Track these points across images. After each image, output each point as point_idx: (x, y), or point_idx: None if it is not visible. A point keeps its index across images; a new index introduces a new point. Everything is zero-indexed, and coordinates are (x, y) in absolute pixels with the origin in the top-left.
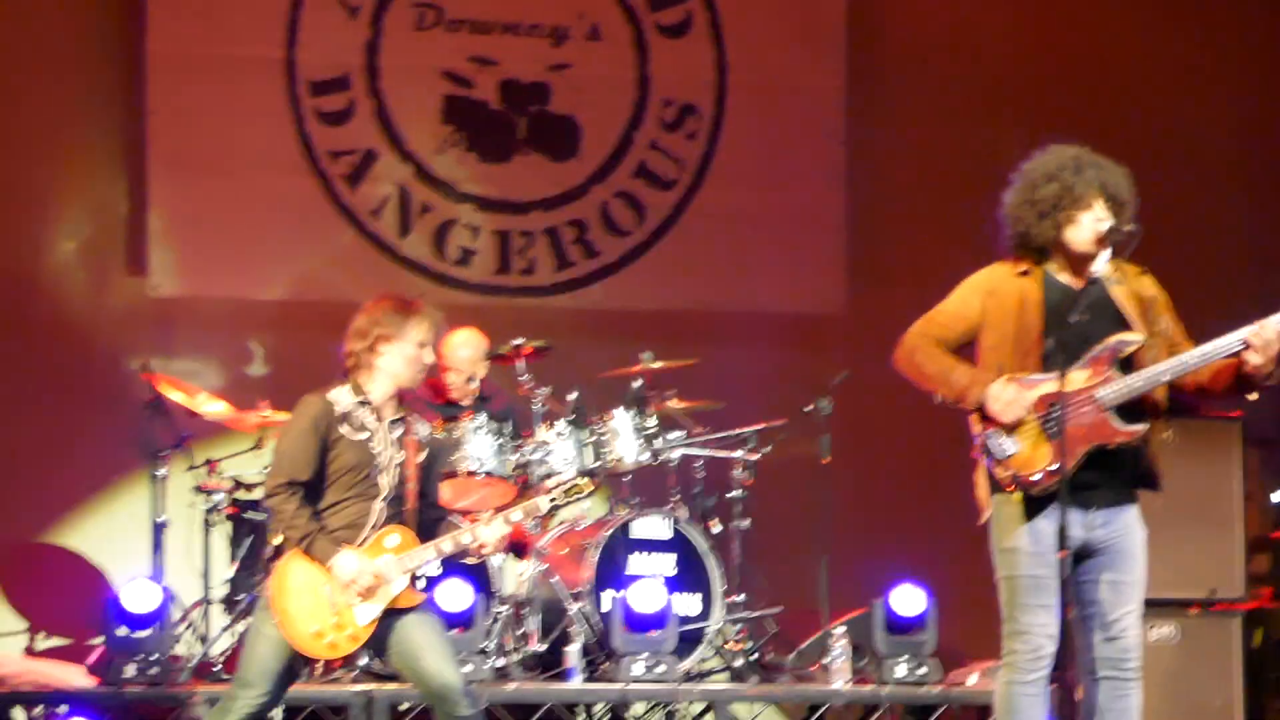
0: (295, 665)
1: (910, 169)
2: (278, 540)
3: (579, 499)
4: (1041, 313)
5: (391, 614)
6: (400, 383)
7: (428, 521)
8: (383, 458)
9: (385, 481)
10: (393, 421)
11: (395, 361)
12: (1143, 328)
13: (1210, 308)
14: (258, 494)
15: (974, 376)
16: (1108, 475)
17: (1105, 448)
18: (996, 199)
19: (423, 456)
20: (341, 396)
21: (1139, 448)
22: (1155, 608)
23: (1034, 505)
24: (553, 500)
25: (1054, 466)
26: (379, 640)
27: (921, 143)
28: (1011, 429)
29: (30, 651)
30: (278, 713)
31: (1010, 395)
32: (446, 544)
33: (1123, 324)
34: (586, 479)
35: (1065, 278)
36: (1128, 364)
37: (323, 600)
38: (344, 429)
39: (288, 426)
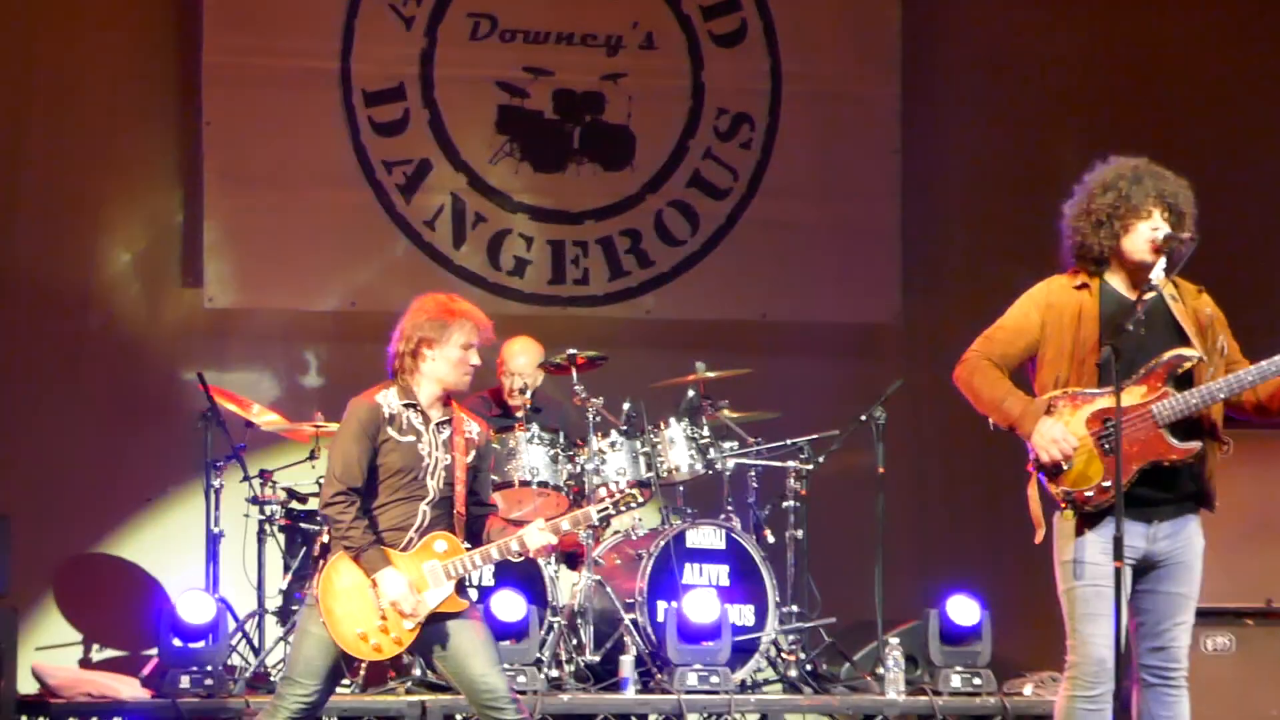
0: (342, 664)
1: (965, 179)
2: (324, 540)
3: (630, 509)
4: (1098, 324)
5: (438, 619)
6: (446, 385)
7: (473, 519)
8: (430, 460)
9: (432, 485)
10: (439, 423)
11: (439, 365)
12: (1200, 345)
13: (1271, 325)
14: (312, 505)
15: (1025, 407)
16: (1164, 491)
17: (1160, 465)
18: (1052, 209)
19: (471, 456)
20: (389, 399)
21: (1194, 465)
22: (1211, 618)
23: (1093, 516)
24: (603, 511)
25: (1107, 483)
26: (425, 645)
27: (976, 152)
28: (1052, 469)
29: (85, 663)
30: None
31: (1056, 433)
32: (494, 550)
33: (1180, 337)
34: (638, 489)
35: (1123, 289)
36: (1184, 381)
37: (369, 603)
38: (391, 431)
39: (339, 433)
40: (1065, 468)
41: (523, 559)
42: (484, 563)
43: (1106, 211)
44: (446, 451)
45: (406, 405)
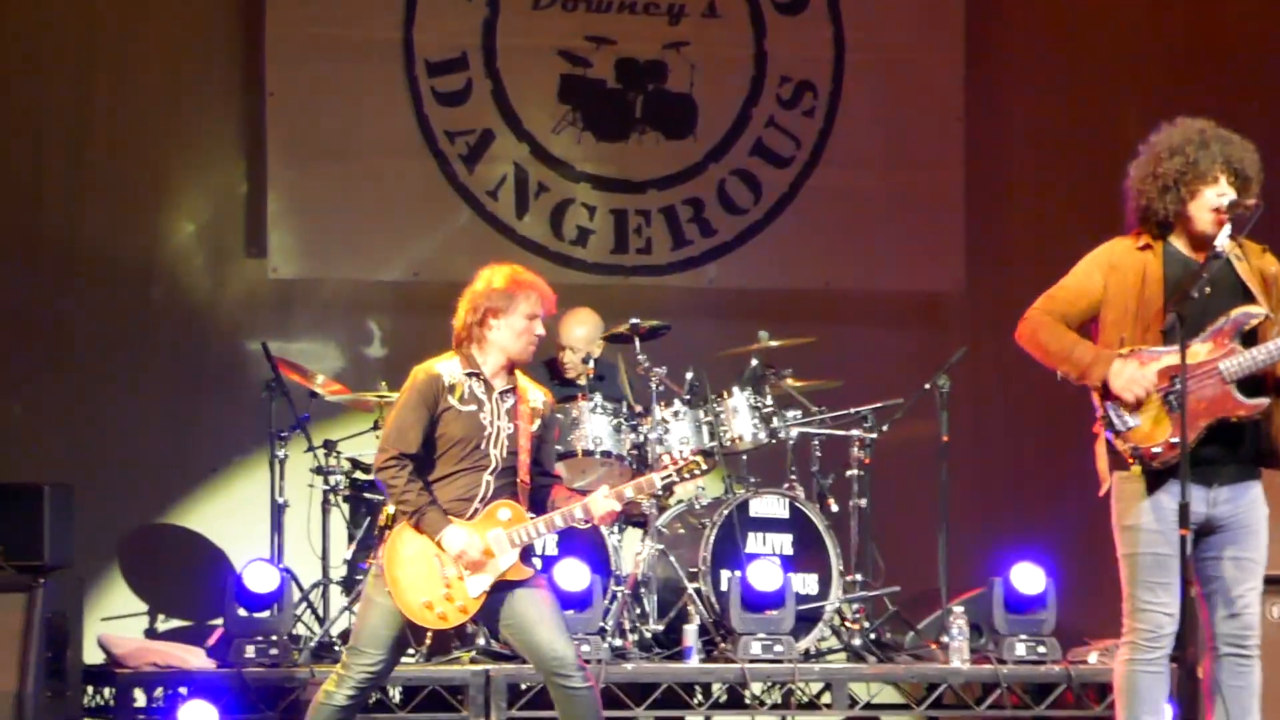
0: (407, 634)
1: (1029, 146)
2: (390, 510)
3: (694, 476)
4: (1162, 287)
5: (502, 587)
6: (510, 355)
7: (537, 488)
8: (492, 429)
9: (495, 454)
10: (503, 392)
11: (504, 335)
12: (1266, 303)
13: None
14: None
15: (1097, 354)
16: (1229, 451)
17: (1226, 421)
18: (1116, 176)
19: (536, 425)
20: (450, 368)
21: (1259, 423)
22: (1277, 585)
23: (1155, 481)
24: (667, 477)
25: (1174, 439)
26: (490, 614)
27: (1041, 119)
28: (1134, 406)
29: (150, 633)
30: (396, 693)
31: (1133, 373)
32: (558, 518)
33: (1245, 298)
34: (701, 457)
35: (1186, 252)
36: (1250, 339)
37: (433, 571)
38: (452, 400)
39: (397, 400)
40: (1135, 422)
41: (587, 526)
42: (548, 530)
43: (1173, 177)
44: (510, 420)
45: (469, 374)
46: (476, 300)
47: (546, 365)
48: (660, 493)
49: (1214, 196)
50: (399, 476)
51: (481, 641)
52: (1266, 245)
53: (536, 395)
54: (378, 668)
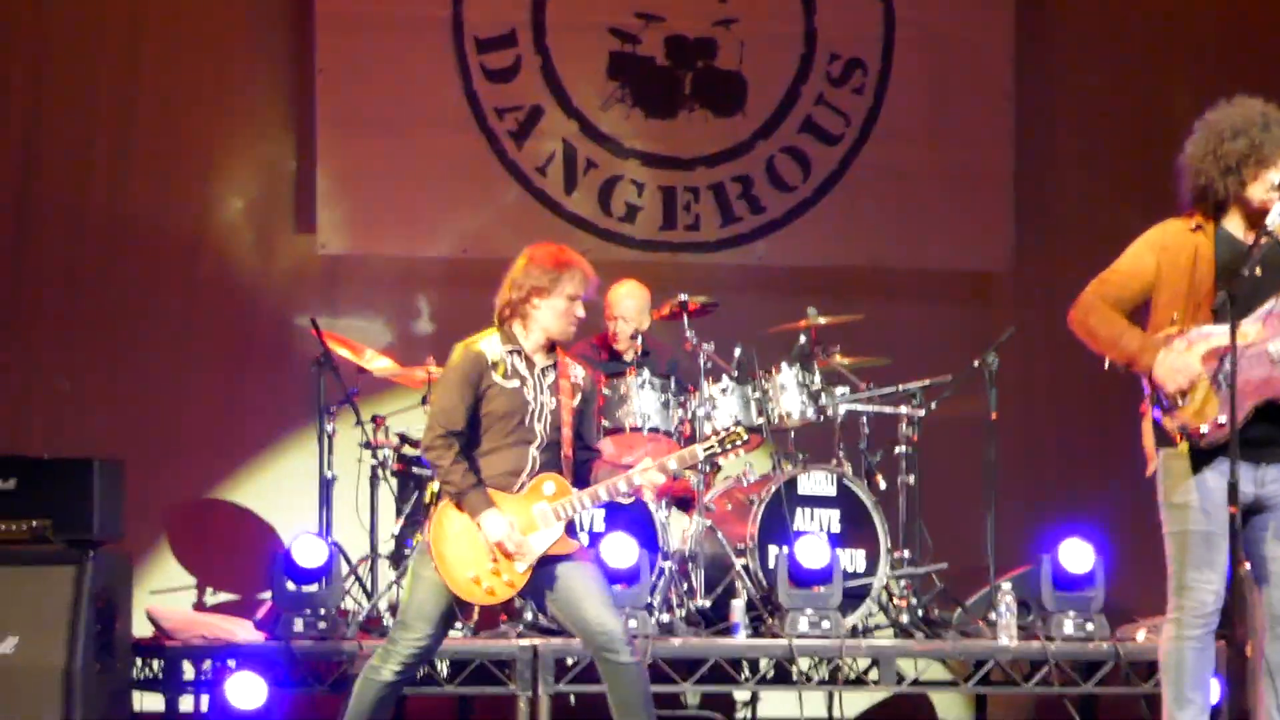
0: (454, 609)
1: (1079, 124)
2: (436, 487)
3: (735, 447)
4: (1214, 267)
5: (549, 561)
6: (551, 334)
7: (580, 463)
8: (535, 405)
9: (539, 429)
10: (544, 369)
11: (546, 314)
12: None
13: None
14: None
15: (1144, 342)
16: (1278, 431)
17: (1275, 403)
18: (1167, 154)
19: (577, 400)
20: (492, 345)
21: None
22: None
23: (1202, 460)
24: (708, 449)
25: (1222, 419)
26: (537, 588)
27: (1091, 98)
28: (1178, 395)
29: (199, 606)
30: (444, 667)
31: (1175, 362)
32: (602, 491)
33: None
34: (743, 427)
35: (1240, 233)
36: None
37: (480, 547)
38: (496, 377)
39: (441, 378)
40: (1182, 403)
41: (632, 499)
42: (592, 503)
43: (1236, 158)
44: (552, 395)
45: (511, 351)
46: (520, 278)
47: (597, 341)
48: (703, 464)
49: (1276, 178)
50: (445, 455)
51: (529, 616)
52: None
53: (577, 371)
54: (425, 643)
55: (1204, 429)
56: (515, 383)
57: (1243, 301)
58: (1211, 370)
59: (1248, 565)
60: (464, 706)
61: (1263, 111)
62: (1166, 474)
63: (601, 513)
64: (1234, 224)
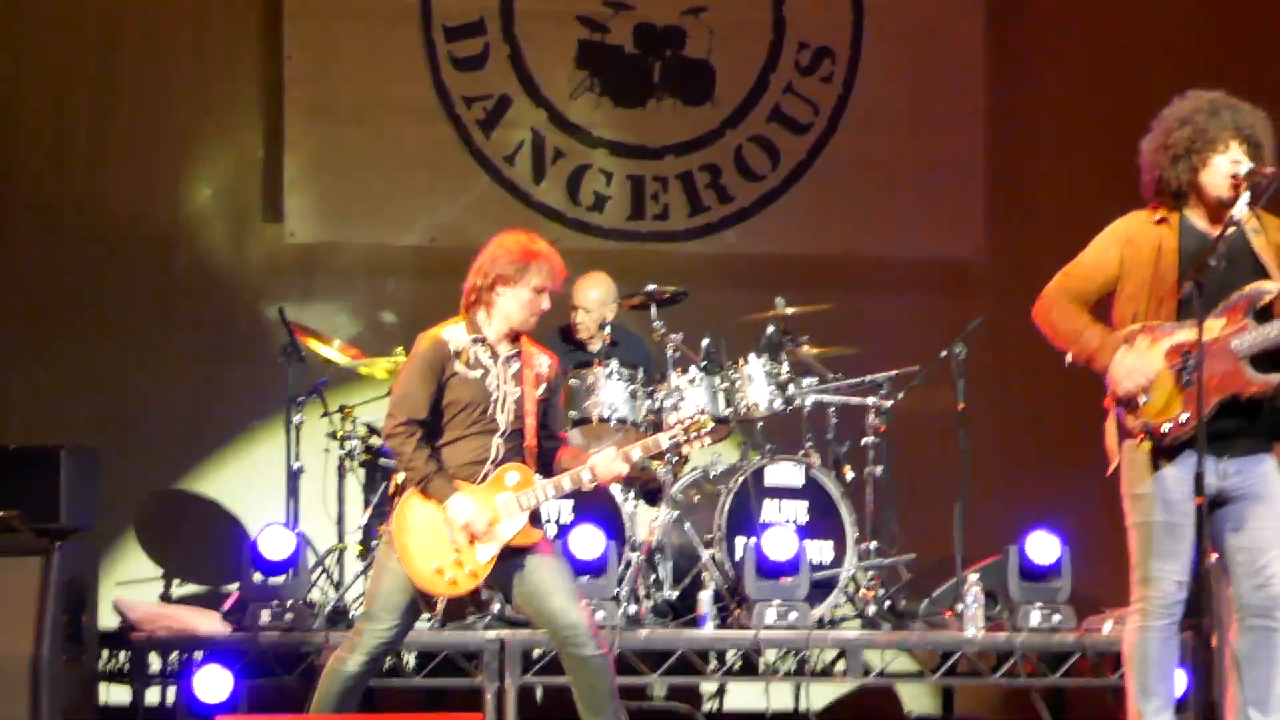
0: (420, 601)
1: (1050, 112)
2: (399, 478)
3: (700, 436)
4: (1177, 260)
5: (514, 553)
6: (513, 325)
7: (545, 451)
8: (499, 394)
9: (502, 418)
10: (508, 358)
11: (510, 304)
12: None
13: None
14: None
15: (1103, 340)
16: (1242, 424)
17: (1238, 398)
18: (1138, 142)
19: (541, 390)
20: (456, 334)
21: (1272, 399)
22: None
23: (1166, 451)
24: (673, 438)
25: (1184, 417)
26: (503, 580)
27: (1061, 85)
28: (1134, 395)
29: (166, 598)
30: (411, 659)
31: (1133, 363)
32: (565, 481)
33: (1261, 273)
34: (707, 415)
35: (1202, 224)
36: (1264, 314)
37: (443, 538)
38: (458, 366)
39: (404, 367)
40: (1143, 400)
41: (595, 487)
42: (556, 493)
43: (1184, 146)
44: (516, 385)
45: (475, 340)
46: (487, 265)
47: (560, 331)
48: (667, 453)
49: (1227, 164)
50: (407, 443)
51: (496, 608)
52: None
53: (542, 359)
54: (391, 634)
55: (1166, 427)
56: (478, 372)
57: (1209, 293)
58: (1174, 367)
59: (1215, 556)
60: (431, 697)
61: (1211, 99)
62: (1129, 466)
63: (569, 504)
64: (1196, 215)
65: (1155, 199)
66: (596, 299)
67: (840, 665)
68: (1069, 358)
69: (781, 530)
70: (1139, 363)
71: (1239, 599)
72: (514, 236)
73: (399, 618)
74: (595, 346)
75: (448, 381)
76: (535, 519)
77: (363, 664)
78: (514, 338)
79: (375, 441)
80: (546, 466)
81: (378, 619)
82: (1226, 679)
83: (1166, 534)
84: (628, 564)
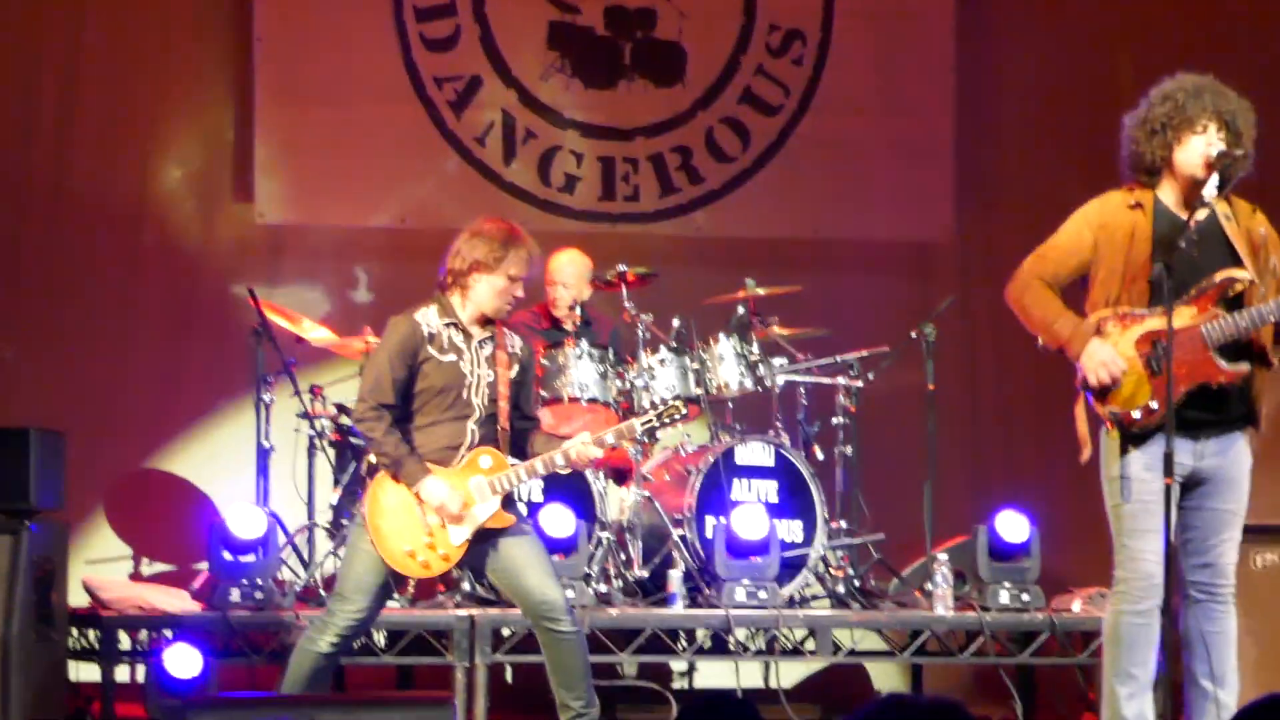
0: (391, 582)
1: (1021, 94)
2: (372, 459)
3: (674, 421)
4: (1150, 245)
5: (486, 535)
6: (485, 311)
7: (519, 432)
8: (472, 378)
9: (477, 402)
10: (481, 340)
11: (484, 290)
12: (1252, 266)
13: None
14: None
15: (1075, 329)
16: (1214, 412)
17: (1207, 387)
18: (1107, 126)
19: (515, 371)
20: (429, 318)
21: (1242, 387)
22: (1263, 534)
23: (1136, 436)
24: (647, 423)
25: (1154, 405)
26: (476, 561)
27: (1031, 68)
28: (1103, 387)
29: (135, 577)
30: (381, 637)
31: (1104, 356)
32: (539, 465)
33: (1233, 257)
34: (681, 402)
35: (1177, 208)
36: (1234, 303)
37: (415, 519)
38: (431, 350)
39: (376, 350)
40: (1113, 388)
41: (569, 472)
42: (529, 477)
43: (1161, 120)
44: (490, 368)
45: (448, 323)
46: (465, 249)
47: (539, 310)
48: (641, 438)
49: (1202, 145)
50: (377, 427)
51: (466, 587)
52: (1257, 206)
53: (515, 341)
54: (362, 615)
55: (1135, 414)
56: (452, 356)
57: (1179, 278)
58: (1144, 355)
59: (1181, 536)
60: (402, 676)
61: (1196, 81)
62: (1105, 449)
63: (539, 483)
64: (1170, 197)
65: (1131, 174)
66: (574, 275)
67: (810, 644)
68: (1040, 342)
69: (751, 510)
70: (1109, 356)
71: (1187, 574)
72: (494, 222)
73: (370, 599)
74: (567, 325)
75: (421, 366)
76: (509, 502)
77: (334, 644)
78: (487, 321)
79: (345, 421)
80: (520, 447)
81: (349, 600)
82: (1184, 655)
83: (1145, 514)
84: (598, 543)
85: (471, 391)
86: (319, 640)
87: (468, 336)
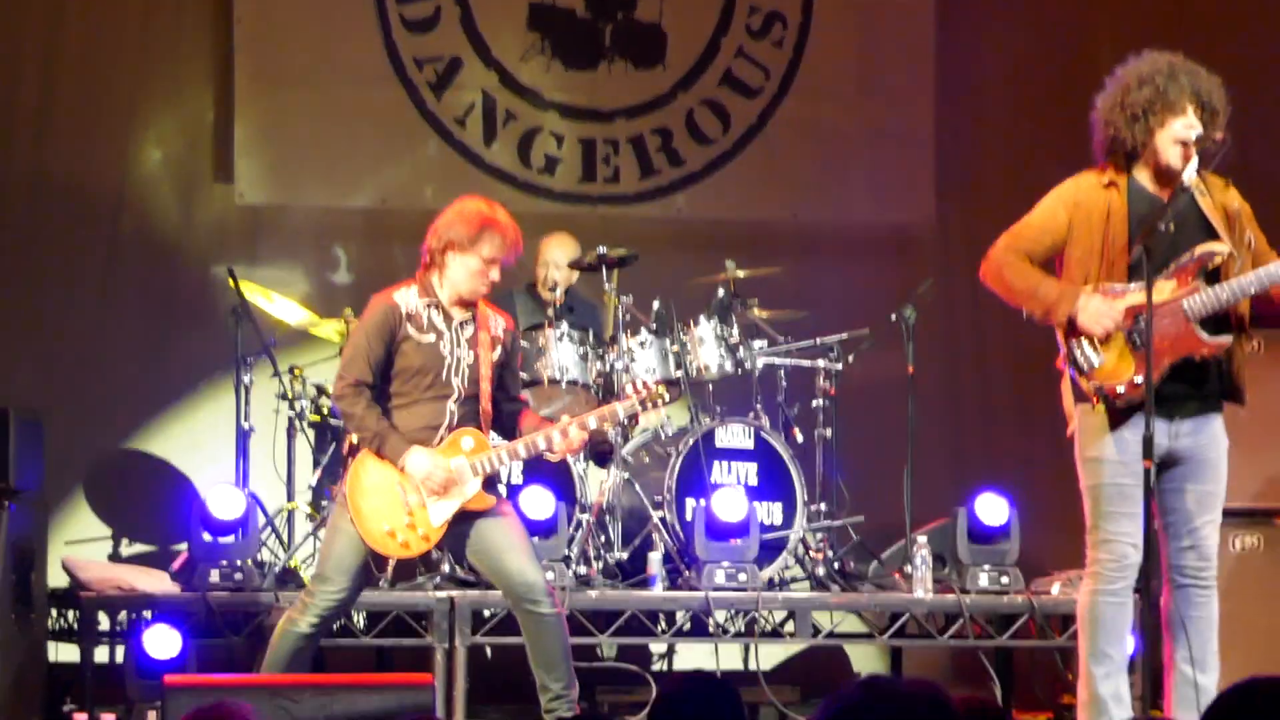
0: (371, 563)
1: (1000, 80)
2: (354, 439)
3: (656, 406)
4: (1127, 224)
5: (466, 516)
6: (460, 293)
7: (506, 415)
8: (451, 359)
9: (457, 383)
10: (462, 322)
11: (459, 270)
12: (1229, 240)
13: None
14: None
15: (1062, 290)
16: (1193, 387)
17: (1190, 360)
18: (1086, 110)
19: (498, 353)
20: (409, 298)
21: (1223, 360)
22: (1240, 517)
23: (1119, 414)
24: (630, 408)
25: (1138, 378)
26: (455, 542)
27: (1011, 53)
28: (1100, 341)
29: (115, 558)
30: (361, 619)
31: (1100, 307)
32: (520, 447)
33: (1210, 234)
34: (665, 387)
35: (1152, 187)
36: (1213, 276)
37: (396, 499)
38: (410, 329)
39: (355, 329)
40: (1097, 363)
41: (558, 458)
42: (511, 459)
43: (1142, 106)
44: (470, 349)
45: (428, 304)
46: (442, 229)
47: (527, 289)
48: (624, 422)
49: (1181, 128)
50: (357, 403)
51: (446, 568)
52: (1229, 179)
53: (498, 321)
54: (343, 595)
55: (1120, 388)
56: (431, 336)
57: (1158, 257)
58: (1126, 328)
59: (1161, 519)
60: (381, 657)
61: (1170, 61)
62: (1083, 429)
63: (519, 465)
64: (1145, 178)
65: (1106, 158)
66: (564, 257)
67: (789, 626)
68: (1026, 313)
69: (731, 492)
70: (1105, 306)
71: (1170, 559)
72: (474, 203)
73: (351, 580)
74: (550, 310)
75: (399, 346)
76: (490, 484)
77: (313, 625)
78: (469, 302)
79: (325, 402)
80: (507, 431)
81: (329, 580)
82: (1165, 638)
83: (1120, 496)
84: (578, 525)
85: (451, 372)
86: (299, 621)
87: (448, 318)
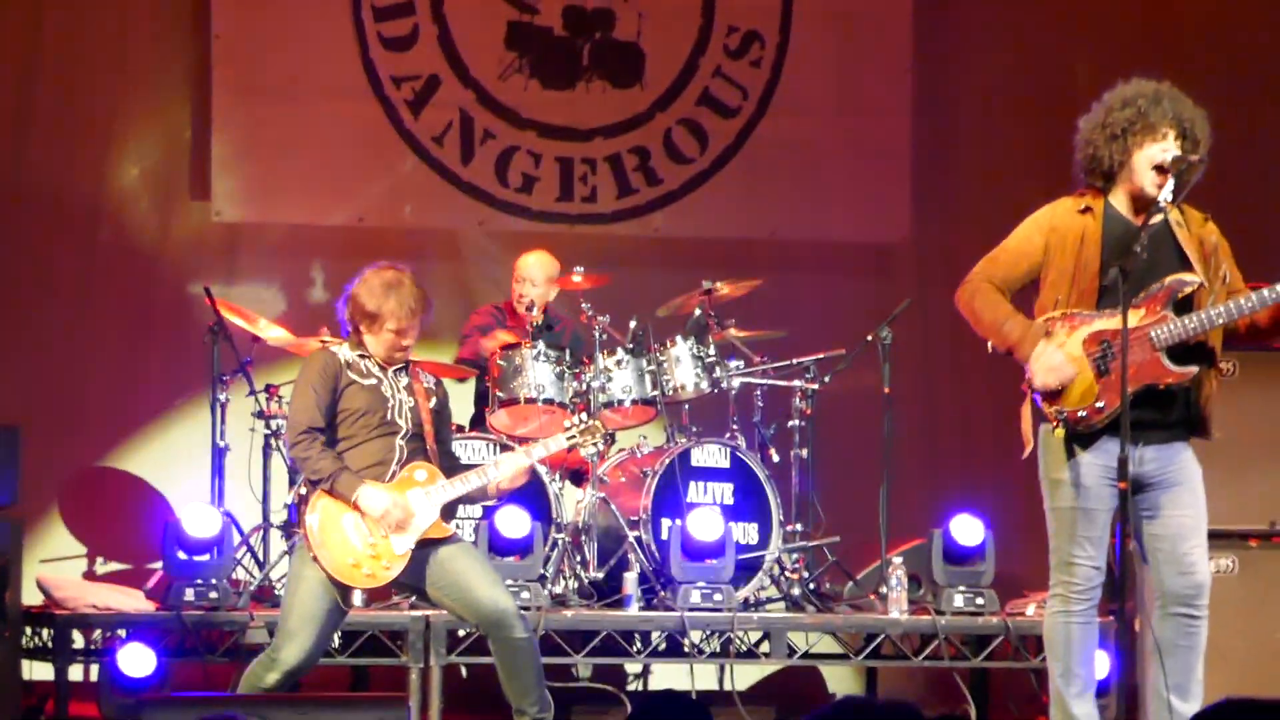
0: (339, 605)
1: (977, 98)
2: (303, 489)
3: (593, 441)
4: (1100, 249)
5: (425, 546)
6: (381, 359)
7: (444, 470)
8: (394, 400)
9: (402, 421)
10: (396, 371)
11: (371, 340)
12: (1203, 272)
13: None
14: None
15: (1024, 332)
16: (1159, 413)
17: (1155, 388)
18: (1064, 130)
19: (433, 403)
20: (344, 350)
21: (1189, 390)
22: (1215, 539)
23: (1080, 438)
24: (570, 439)
25: (1101, 404)
26: (417, 574)
27: (989, 72)
28: (1054, 393)
29: (89, 575)
30: (336, 638)
31: (1052, 360)
32: (473, 477)
33: (1183, 263)
34: (598, 422)
35: (1126, 213)
36: (1184, 306)
37: (358, 532)
38: (352, 375)
39: (296, 383)
40: (1061, 391)
41: (522, 482)
42: (464, 488)
43: (1122, 126)
44: (410, 395)
45: (361, 356)
46: (351, 308)
47: (504, 306)
48: (567, 449)
49: (1158, 151)
50: (311, 448)
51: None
52: (1209, 214)
53: (429, 378)
54: (310, 648)
55: (1082, 413)
56: (372, 380)
57: (1131, 281)
58: (1092, 355)
59: (1138, 545)
60: (357, 677)
61: (1155, 87)
62: (1045, 449)
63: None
64: (1121, 203)
65: (1085, 178)
66: (541, 276)
67: (765, 646)
68: (990, 346)
69: (707, 512)
70: (1058, 360)
71: (1161, 586)
72: (378, 275)
73: (318, 629)
74: (527, 325)
75: (344, 390)
76: (446, 513)
77: (279, 683)
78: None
79: None
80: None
81: (294, 636)
82: (1146, 664)
83: (1083, 519)
84: (554, 544)
85: (395, 412)
86: (264, 678)
87: (383, 368)
